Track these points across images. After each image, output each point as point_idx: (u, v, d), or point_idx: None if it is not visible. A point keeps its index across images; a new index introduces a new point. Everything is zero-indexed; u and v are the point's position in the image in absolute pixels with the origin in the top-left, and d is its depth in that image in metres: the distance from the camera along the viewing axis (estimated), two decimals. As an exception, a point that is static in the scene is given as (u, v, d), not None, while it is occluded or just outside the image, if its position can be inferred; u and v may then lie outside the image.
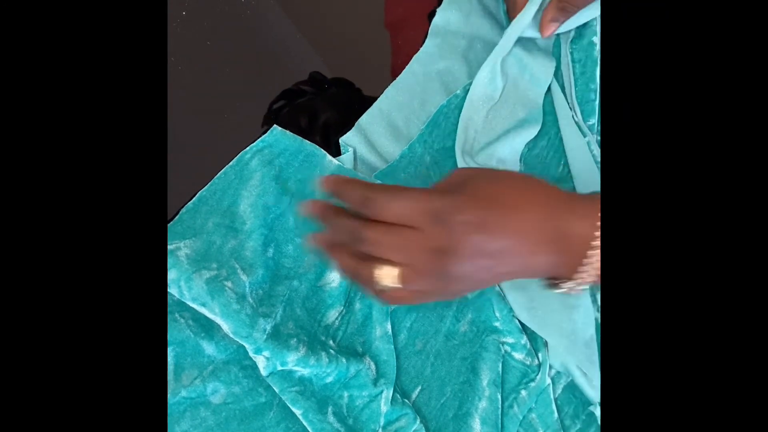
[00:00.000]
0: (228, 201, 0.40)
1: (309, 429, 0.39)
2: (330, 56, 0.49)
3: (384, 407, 0.41)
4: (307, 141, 0.41)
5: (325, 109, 0.47)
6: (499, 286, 0.47)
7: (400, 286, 0.32)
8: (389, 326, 0.43)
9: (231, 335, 0.38)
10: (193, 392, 0.37)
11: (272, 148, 0.40)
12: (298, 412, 0.39)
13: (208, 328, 0.39)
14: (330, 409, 0.40)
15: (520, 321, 0.47)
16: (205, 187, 0.40)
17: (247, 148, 0.40)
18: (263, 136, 0.40)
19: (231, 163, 0.40)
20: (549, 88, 0.50)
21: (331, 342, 0.42)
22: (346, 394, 0.41)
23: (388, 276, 0.32)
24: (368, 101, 0.45)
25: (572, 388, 0.49)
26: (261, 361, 0.38)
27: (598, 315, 0.49)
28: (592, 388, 0.48)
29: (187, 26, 0.40)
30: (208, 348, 0.38)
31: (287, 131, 0.41)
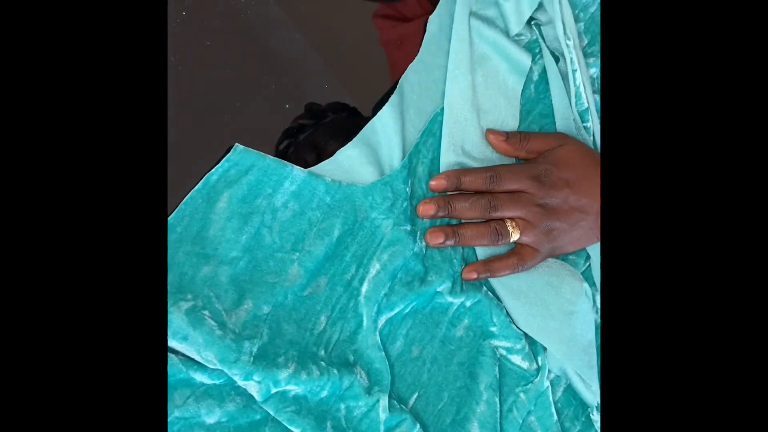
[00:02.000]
0: (197, 227, 0.39)
1: None
2: (330, 56, 0.48)
3: (383, 415, 0.40)
4: (270, 156, 0.40)
5: (327, 140, 0.46)
6: (496, 296, 0.47)
7: (518, 236, 0.45)
8: (385, 331, 0.43)
9: (218, 365, 0.37)
10: (186, 412, 0.37)
11: (238, 167, 0.39)
12: (296, 431, 0.39)
13: (199, 363, 0.38)
14: (329, 423, 0.40)
15: (517, 327, 0.47)
16: (172, 214, 0.38)
17: (212, 170, 0.39)
18: (227, 156, 0.39)
19: (197, 187, 0.39)
20: (549, 94, 0.50)
21: (322, 352, 0.41)
22: (342, 406, 0.40)
23: (511, 227, 0.45)
24: (365, 120, 0.44)
25: (572, 390, 0.49)
26: (253, 387, 0.38)
27: (597, 317, 0.49)
28: (590, 392, 0.48)
29: (187, 26, 0.40)
30: (200, 377, 0.38)
31: (249, 149, 0.39)
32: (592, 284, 0.50)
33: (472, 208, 0.44)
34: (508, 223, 0.45)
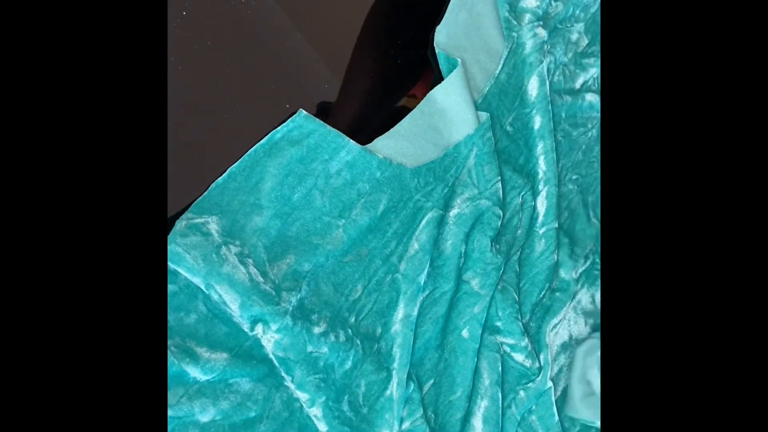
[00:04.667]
0: (256, 178, 0.41)
1: (321, 417, 0.40)
2: (330, 56, 0.49)
3: (396, 393, 0.41)
4: (329, 126, 0.42)
5: None
6: (510, 284, 0.47)
7: None
8: (416, 311, 0.44)
9: (262, 305, 0.38)
10: (180, 411, 0.37)
11: (301, 129, 0.42)
12: (320, 399, 0.40)
13: (191, 352, 0.38)
14: (346, 398, 0.41)
15: (522, 324, 0.46)
16: (235, 163, 0.40)
17: (278, 128, 0.41)
18: (291, 118, 0.41)
19: (261, 142, 0.41)
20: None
21: (352, 319, 0.42)
22: (363, 383, 0.41)
23: None
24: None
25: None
26: (286, 341, 0.39)
27: None
28: None
29: (187, 26, 0.40)
30: (193, 371, 0.38)
31: (312, 116, 0.42)
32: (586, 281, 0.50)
33: None
34: None
